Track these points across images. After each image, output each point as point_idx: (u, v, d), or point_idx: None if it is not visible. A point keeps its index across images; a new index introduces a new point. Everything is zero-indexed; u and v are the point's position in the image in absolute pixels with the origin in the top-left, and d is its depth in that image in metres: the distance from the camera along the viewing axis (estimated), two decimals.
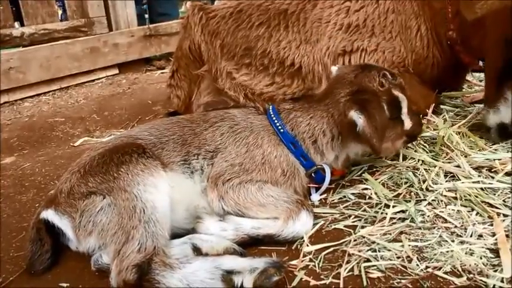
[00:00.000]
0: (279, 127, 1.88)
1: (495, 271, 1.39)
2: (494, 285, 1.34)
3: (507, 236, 1.55)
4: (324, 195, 1.93)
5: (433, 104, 2.44)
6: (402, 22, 2.50)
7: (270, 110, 1.96)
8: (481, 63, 2.57)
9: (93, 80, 4.84)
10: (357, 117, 1.76)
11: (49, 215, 1.68)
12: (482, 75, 3.02)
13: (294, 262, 1.55)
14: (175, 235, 1.69)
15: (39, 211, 1.74)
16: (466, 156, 2.05)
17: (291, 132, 1.88)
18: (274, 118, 1.92)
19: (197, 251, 1.59)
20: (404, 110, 1.91)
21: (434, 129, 2.29)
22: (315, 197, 1.90)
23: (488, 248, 1.51)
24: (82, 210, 1.63)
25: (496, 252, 1.48)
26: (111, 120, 3.66)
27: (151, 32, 5.04)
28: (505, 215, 1.66)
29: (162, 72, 4.99)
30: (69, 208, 1.65)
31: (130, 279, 1.43)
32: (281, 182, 1.81)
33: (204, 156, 1.81)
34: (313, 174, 1.89)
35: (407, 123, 1.93)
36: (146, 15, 5.12)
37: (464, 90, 2.94)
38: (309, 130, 1.88)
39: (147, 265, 1.45)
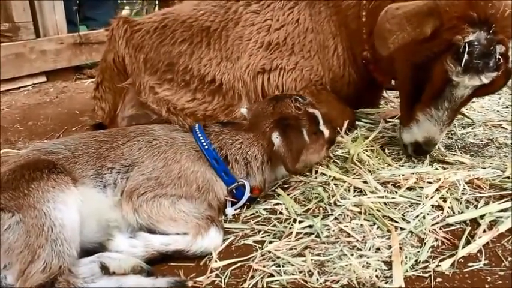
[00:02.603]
0: (204, 143, 1.95)
1: (386, 283, 1.50)
2: None
3: (401, 248, 1.66)
4: (238, 211, 1.98)
5: (348, 121, 2.56)
6: (320, 41, 2.62)
7: (196, 128, 2.02)
8: (393, 81, 2.75)
9: (19, 88, 4.64)
10: (275, 138, 1.90)
11: None
12: (397, 92, 3.20)
13: (201, 278, 1.58)
14: (87, 250, 1.69)
15: None
16: (374, 172, 2.17)
17: (219, 151, 1.96)
18: (199, 135, 1.98)
19: (105, 269, 1.59)
20: (321, 122, 2.09)
21: (348, 144, 2.40)
22: (230, 211, 1.96)
23: (383, 261, 1.61)
24: None
25: (390, 264, 1.59)
26: (35, 130, 3.54)
27: (82, 39, 4.93)
28: (402, 229, 1.78)
29: (92, 81, 4.85)
30: None
31: None
32: (196, 196, 1.86)
33: (119, 170, 1.83)
34: (234, 190, 1.96)
35: (326, 133, 2.12)
36: (79, 25, 5.00)
37: (381, 106, 3.11)
38: (241, 153, 1.97)
39: (50, 285, 1.45)
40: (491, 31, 1.93)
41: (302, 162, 2.08)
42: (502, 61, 1.94)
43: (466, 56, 1.91)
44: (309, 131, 2.03)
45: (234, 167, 1.96)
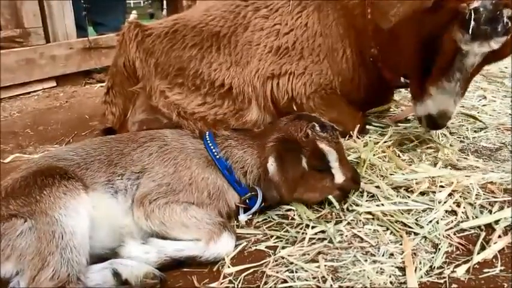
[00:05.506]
0: (215, 153, 1.95)
1: None
2: None
3: (415, 254, 1.65)
4: (249, 216, 1.97)
5: (359, 125, 2.54)
6: (329, 45, 2.60)
7: (207, 136, 2.02)
8: (402, 79, 2.73)
9: (29, 93, 4.67)
10: (270, 165, 1.86)
11: None
12: (407, 95, 3.19)
13: (214, 284, 1.58)
14: (99, 257, 1.69)
15: None
16: (387, 177, 2.15)
17: (225, 159, 1.95)
18: (210, 144, 1.98)
19: (117, 276, 1.59)
20: (334, 163, 1.93)
21: (360, 149, 2.39)
22: (242, 217, 1.95)
23: (397, 267, 1.60)
24: (2, 234, 1.59)
25: (404, 270, 1.57)
26: (46, 135, 3.55)
27: (91, 44, 4.95)
28: (415, 234, 1.77)
29: (101, 86, 4.89)
30: None
31: None
32: (206, 203, 1.85)
33: (129, 177, 1.84)
34: (247, 200, 1.95)
35: (339, 177, 1.94)
36: (88, 27, 5.03)
37: (391, 109, 3.09)
38: (241, 161, 1.96)
39: None
40: None
41: (298, 194, 1.95)
42: (510, 25, 1.91)
43: (472, 23, 1.89)
44: (310, 164, 1.90)
45: (240, 177, 1.95)
